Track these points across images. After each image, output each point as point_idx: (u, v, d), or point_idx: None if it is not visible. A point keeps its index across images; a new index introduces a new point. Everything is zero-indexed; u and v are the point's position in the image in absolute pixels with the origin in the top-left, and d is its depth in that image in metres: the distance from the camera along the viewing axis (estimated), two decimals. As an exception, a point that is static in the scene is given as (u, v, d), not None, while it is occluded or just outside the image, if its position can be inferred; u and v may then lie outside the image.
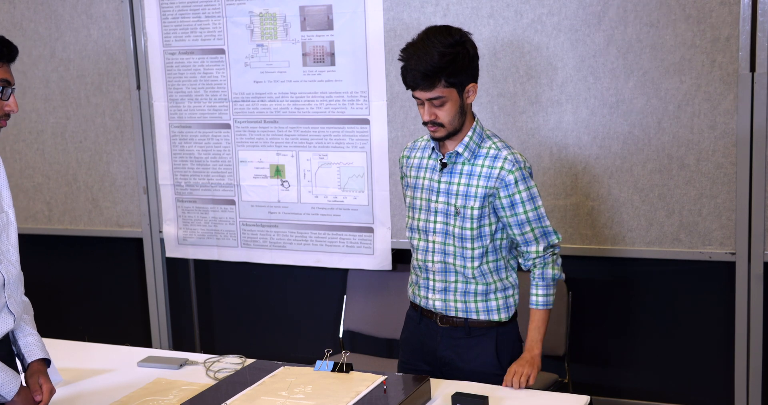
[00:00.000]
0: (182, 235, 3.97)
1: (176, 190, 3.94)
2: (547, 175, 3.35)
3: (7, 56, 1.99)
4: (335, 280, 3.87)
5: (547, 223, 2.46)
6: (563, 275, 2.53)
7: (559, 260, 2.52)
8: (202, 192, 3.90)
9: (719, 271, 3.26)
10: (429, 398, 2.27)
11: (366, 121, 3.55)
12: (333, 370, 2.35)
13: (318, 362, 2.39)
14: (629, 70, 3.19)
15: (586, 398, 2.29)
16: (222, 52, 3.74)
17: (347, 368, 2.35)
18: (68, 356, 2.67)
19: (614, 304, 3.49)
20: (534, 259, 2.48)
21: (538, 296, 2.49)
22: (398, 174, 2.74)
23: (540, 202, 2.44)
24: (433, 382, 2.33)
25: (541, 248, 2.46)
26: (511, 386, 2.35)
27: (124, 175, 4.06)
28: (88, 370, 2.59)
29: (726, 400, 3.31)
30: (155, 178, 3.98)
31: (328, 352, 2.42)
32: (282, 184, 3.74)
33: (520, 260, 2.51)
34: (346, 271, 3.75)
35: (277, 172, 3.74)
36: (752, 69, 3.04)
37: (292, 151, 3.70)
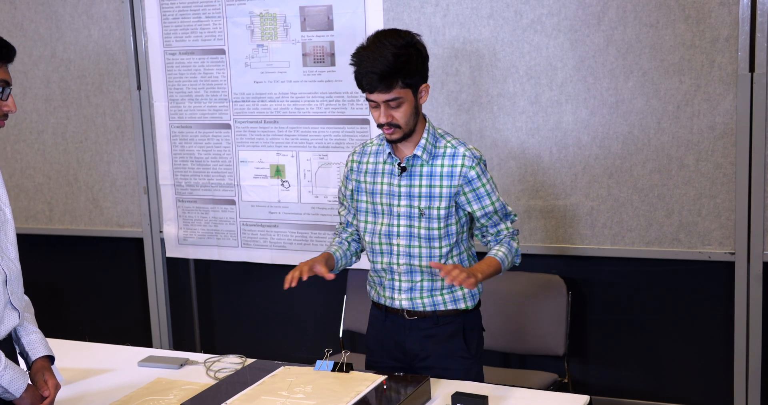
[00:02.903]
0: (182, 235, 3.98)
1: (176, 190, 3.95)
2: (547, 175, 3.36)
3: (6, 57, 2.00)
4: (335, 280, 3.86)
5: (509, 208, 2.54)
6: (519, 260, 2.56)
7: (519, 244, 2.57)
8: (203, 192, 3.91)
9: (718, 271, 3.26)
10: (429, 398, 2.28)
11: (366, 122, 3.55)
12: (333, 370, 2.36)
13: (318, 362, 2.39)
14: (629, 71, 3.20)
15: (585, 398, 2.29)
16: (222, 52, 3.74)
17: (347, 368, 2.35)
18: (69, 356, 2.68)
19: (614, 303, 3.49)
20: (505, 234, 2.53)
21: (499, 250, 2.49)
22: (350, 174, 2.62)
23: (498, 191, 2.51)
24: (433, 381, 2.34)
25: (509, 224, 2.54)
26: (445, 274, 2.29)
27: (124, 175, 4.06)
28: (88, 369, 2.60)
29: (725, 399, 3.32)
30: (156, 178, 3.98)
31: (328, 351, 2.43)
32: (282, 184, 3.75)
33: (489, 238, 2.54)
34: (346, 270, 3.76)
35: (278, 172, 3.75)
36: (751, 69, 3.05)
37: (292, 151, 3.71)
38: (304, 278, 2.44)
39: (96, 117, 4.06)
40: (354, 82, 3.48)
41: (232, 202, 3.86)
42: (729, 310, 3.24)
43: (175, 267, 4.16)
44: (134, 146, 4.01)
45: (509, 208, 2.53)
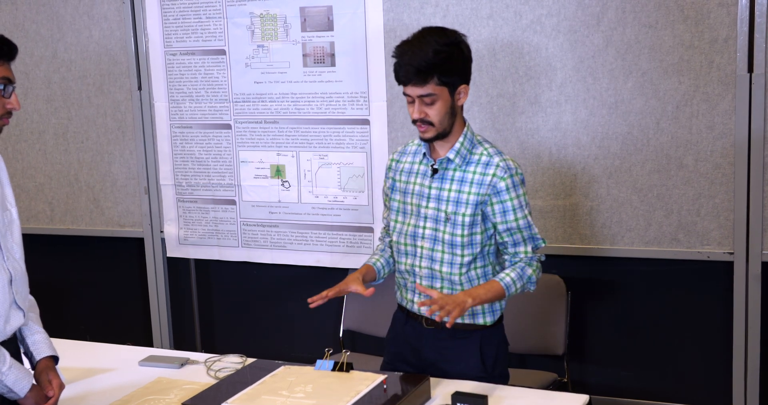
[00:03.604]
0: (183, 235, 3.99)
1: (177, 190, 3.96)
2: (547, 175, 3.37)
3: (7, 54, 2.01)
4: (335, 280, 3.85)
5: (536, 230, 2.45)
6: (534, 287, 2.48)
7: (540, 272, 2.48)
8: (203, 192, 3.92)
9: (717, 271, 3.26)
10: (429, 397, 2.28)
11: (366, 122, 3.56)
12: (333, 370, 2.36)
13: (318, 361, 2.40)
14: (628, 71, 3.21)
15: (585, 397, 2.30)
16: (223, 52, 3.75)
17: (347, 367, 2.36)
18: (70, 355, 2.67)
19: (613, 303, 3.50)
20: (521, 258, 2.46)
21: (507, 275, 2.40)
22: (388, 173, 2.65)
23: (528, 210, 2.44)
24: (433, 381, 2.35)
25: (530, 249, 2.45)
26: (428, 314, 2.27)
27: (125, 175, 4.07)
28: (89, 369, 2.61)
29: (724, 399, 3.32)
30: (156, 179, 3.99)
31: (328, 351, 2.43)
32: (282, 184, 3.76)
33: (506, 257, 2.48)
34: (346, 270, 3.76)
35: (278, 172, 3.76)
36: (750, 70, 3.05)
37: (293, 151, 3.72)
38: (330, 296, 2.44)
39: (97, 117, 4.07)
40: (354, 83, 3.53)
41: (233, 202, 3.87)
42: (728, 310, 3.25)
43: (176, 267, 4.17)
44: (135, 146, 4.02)
45: (536, 231, 2.45)
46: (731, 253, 3.17)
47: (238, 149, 3.81)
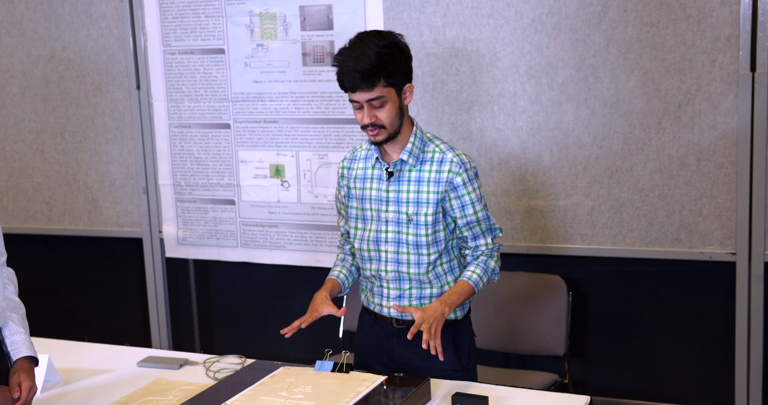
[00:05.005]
0: (182, 235, 3.97)
1: (176, 190, 3.94)
2: (548, 174, 3.35)
3: None
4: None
5: (493, 221, 2.48)
6: (497, 278, 2.51)
7: (500, 261, 2.51)
8: (202, 192, 3.90)
9: (720, 271, 3.26)
10: (429, 398, 2.27)
11: (366, 121, 3.55)
12: (333, 370, 2.35)
13: (318, 362, 2.39)
14: (629, 70, 3.19)
15: (586, 398, 2.28)
16: (222, 51, 3.74)
17: (347, 368, 2.35)
18: (68, 356, 2.67)
19: (614, 304, 3.49)
20: (483, 250, 2.48)
21: (474, 273, 2.44)
22: (341, 181, 2.61)
23: (485, 202, 2.47)
24: (433, 382, 2.33)
25: (489, 240, 2.48)
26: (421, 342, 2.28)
27: (123, 175, 4.06)
28: (87, 369, 2.60)
29: (726, 400, 3.31)
30: (155, 178, 3.98)
31: (328, 352, 2.42)
32: (282, 184, 3.74)
33: (467, 252, 2.50)
34: (346, 271, 3.75)
35: (277, 172, 3.74)
36: (753, 69, 3.04)
37: (292, 151, 3.70)
38: (304, 326, 2.43)
39: (95, 117, 4.06)
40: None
41: (232, 202, 3.85)
42: (730, 311, 3.24)
43: (175, 267, 4.15)
44: (133, 146, 4.00)
45: (494, 222, 2.48)
46: (733, 254, 3.16)
47: (237, 149, 3.80)
